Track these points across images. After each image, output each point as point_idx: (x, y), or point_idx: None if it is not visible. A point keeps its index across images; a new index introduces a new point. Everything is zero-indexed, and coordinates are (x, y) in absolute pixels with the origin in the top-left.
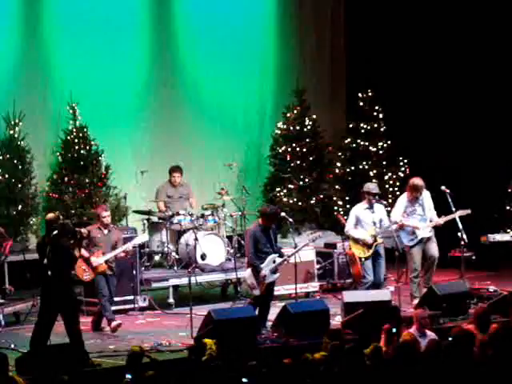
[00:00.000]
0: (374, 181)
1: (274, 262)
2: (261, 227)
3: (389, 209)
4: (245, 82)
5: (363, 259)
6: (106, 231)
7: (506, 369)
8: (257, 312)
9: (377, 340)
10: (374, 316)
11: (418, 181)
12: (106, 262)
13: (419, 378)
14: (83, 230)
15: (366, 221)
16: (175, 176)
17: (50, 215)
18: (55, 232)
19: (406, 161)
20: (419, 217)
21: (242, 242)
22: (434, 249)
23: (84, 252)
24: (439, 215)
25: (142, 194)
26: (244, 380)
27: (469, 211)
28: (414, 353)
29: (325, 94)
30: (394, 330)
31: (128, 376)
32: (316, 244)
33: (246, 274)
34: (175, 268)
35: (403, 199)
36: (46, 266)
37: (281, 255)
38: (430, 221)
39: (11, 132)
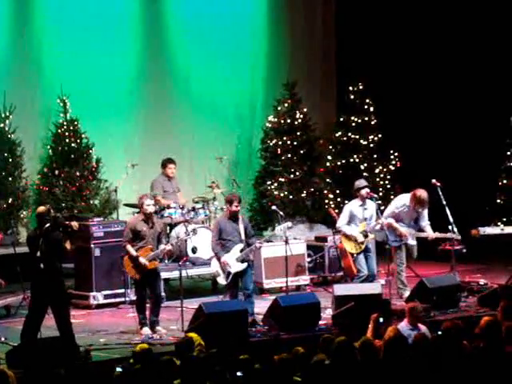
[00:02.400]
0: (364, 174)
1: (242, 251)
2: (226, 216)
3: (380, 202)
4: (235, 76)
5: (355, 255)
6: (150, 223)
7: (495, 362)
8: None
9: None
10: (365, 309)
11: (424, 195)
12: (155, 258)
13: (409, 371)
14: (73, 223)
15: (359, 217)
16: (171, 168)
17: (41, 208)
18: (47, 225)
19: (396, 154)
20: (410, 223)
21: None
22: (413, 248)
23: (131, 250)
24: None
25: (133, 187)
26: (238, 374)
27: (459, 237)
28: (401, 349)
29: (316, 87)
30: (382, 319)
31: (118, 369)
32: (307, 237)
33: (212, 263)
34: (166, 261)
35: (401, 202)
36: (38, 258)
37: (249, 245)
38: (420, 230)
39: (1, 125)
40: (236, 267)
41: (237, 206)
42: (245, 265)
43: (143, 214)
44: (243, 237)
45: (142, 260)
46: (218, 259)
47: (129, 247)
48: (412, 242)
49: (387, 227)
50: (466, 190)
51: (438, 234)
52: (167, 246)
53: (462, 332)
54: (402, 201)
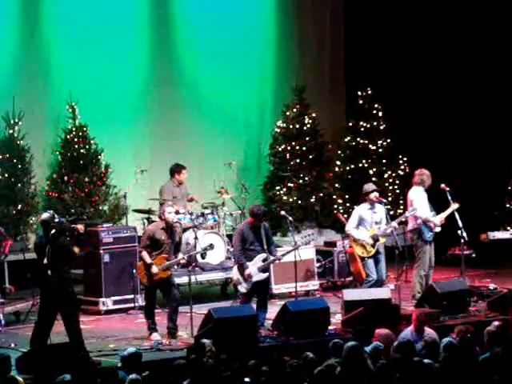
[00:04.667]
0: (373, 179)
1: (264, 260)
2: (249, 225)
3: (389, 207)
4: (244, 81)
5: (366, 258)
6: (169, 232)
7: (506, 367)
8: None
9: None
10: (374, 314)
11: (425, 170)
12: (169, 268)
13: (419, 376)
14: (79, 227)
15: (368, 221)
16: (184, 173)
17: (45, 215)
18: (53, 231)
19: (405, 159)
20: (431, 213)
21: None
22: (433, 252)
23: (146, 257)
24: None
25: (142, 193)
26: (246, 380)
27: (457, 205)
28: (409, 353)
29: (324, 92)
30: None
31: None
32: (316, 242)
33: (233, 270)
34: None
35: (420, 195)
36: (45, 265)
37: (272, 255)
38: None
39: (11, 131)
40: (257, 277)
41: (260, 221)
42: (266, 275)
43: (164, 223)
44: (265, 246)
45: (154, 269)
46: (243, 270)
47: (144, 254)
48: (438, 229)
49: (423, 222)
50: (475, 194)
51: (445, 213)
52: (185, 256)
53: (473, 337)
54: (421, 194)
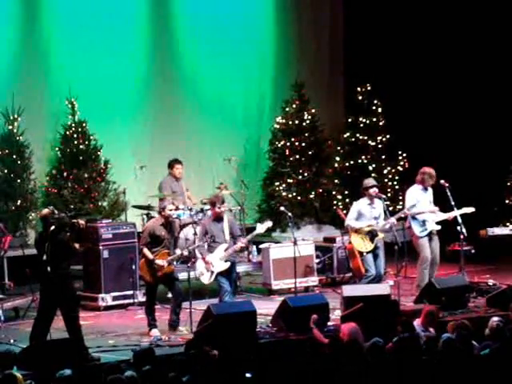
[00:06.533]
0: (372, 175)
1: (226, 250)
2: (212, 218)
3: (388, 203)
4: (244, 77)
5: (364, 253)
6: (169, 228)
7: (506, 363)
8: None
9: (376, 334)
10: (374, 310)
11: (431, 169)
12: (171, 263)
13: (419, 372)
14: (80, 221)
15: (367, 216)
16: (179, 168)
17: (45, 211)
18: (53, 227)
19: (405, 155)
20: (427, 210)
21: None
22: (436, 249)
23: (148, 253)
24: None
25: (141, 189)
26: (248, 375)
27: (473, 209)
28: (413, 346)
29: (324, 88)
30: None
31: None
32: (315, 238)
33: (197, 264)
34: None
35: (414, 192)
36: (45, 261)
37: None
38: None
39: (10, 127)
40: (219, 267)
41: (220, 208)
42: (228, 264)
43: (163, 218)
44: (227, 237)
45: (159, 262)
46: (203, 259)
47: (146, 250)
48: (436, 226)
49: (411, 218)
50: (475, 190)
51: (453, 213)
52: (184, 251)
53: (471, 333)
54: (411, 193)
